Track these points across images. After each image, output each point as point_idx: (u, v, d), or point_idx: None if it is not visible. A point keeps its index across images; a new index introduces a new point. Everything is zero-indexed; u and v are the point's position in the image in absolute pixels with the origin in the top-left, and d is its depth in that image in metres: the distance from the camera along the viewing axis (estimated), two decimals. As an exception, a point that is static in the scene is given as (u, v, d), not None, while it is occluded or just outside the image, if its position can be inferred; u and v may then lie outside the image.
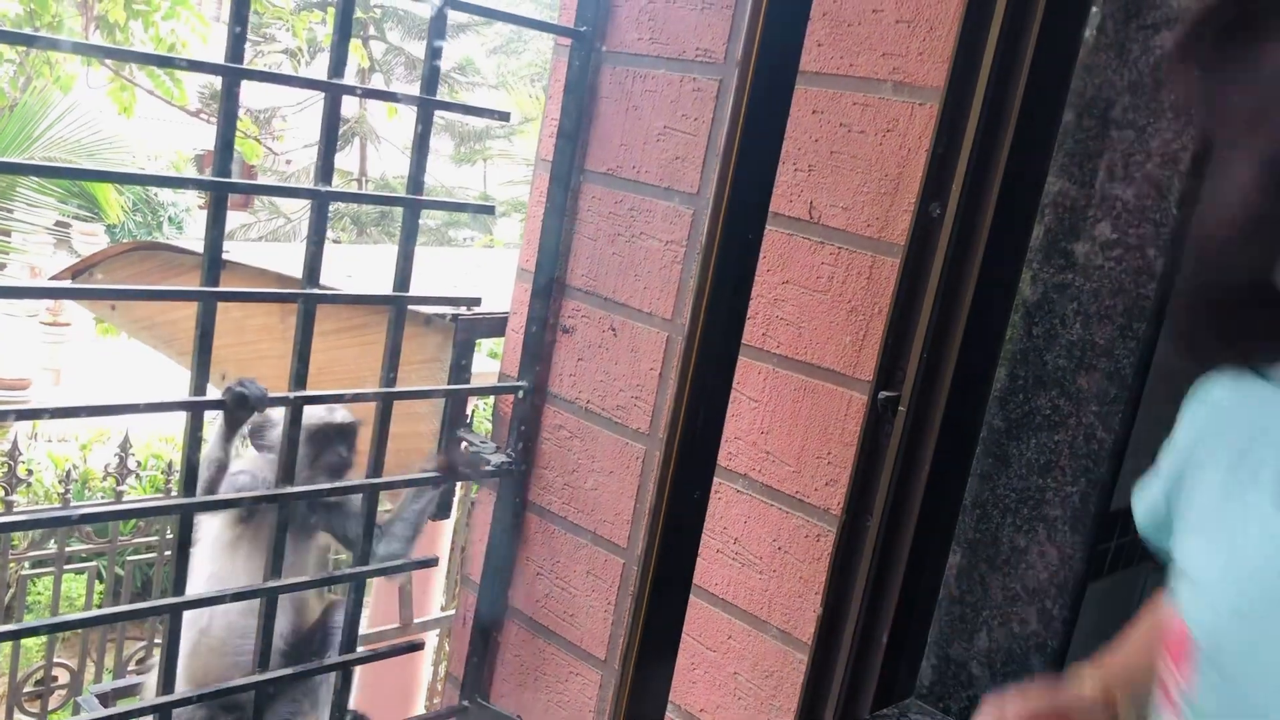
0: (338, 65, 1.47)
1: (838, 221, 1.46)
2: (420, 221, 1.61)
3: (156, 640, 5.37)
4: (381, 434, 1.62)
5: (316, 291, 1.50)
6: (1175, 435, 0.76)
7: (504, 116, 1.63)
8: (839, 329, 1.46)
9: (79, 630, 5.17)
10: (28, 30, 6.10)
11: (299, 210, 13.20)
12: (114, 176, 3.58)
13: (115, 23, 5.62)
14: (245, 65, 1.40)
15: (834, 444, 1.46)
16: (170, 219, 14.64)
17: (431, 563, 1.78)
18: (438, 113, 1.63)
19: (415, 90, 1.57)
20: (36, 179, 8.88)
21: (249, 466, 1.73)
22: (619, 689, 1.22)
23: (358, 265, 2.70)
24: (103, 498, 5.93)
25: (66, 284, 2.69)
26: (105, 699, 2.15)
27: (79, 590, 5.34)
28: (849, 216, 1.44)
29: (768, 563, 1.53)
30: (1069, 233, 1.22)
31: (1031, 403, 1.25)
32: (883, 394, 1.37)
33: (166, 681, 1.49)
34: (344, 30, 1.46)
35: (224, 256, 2.31)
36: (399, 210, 1.58)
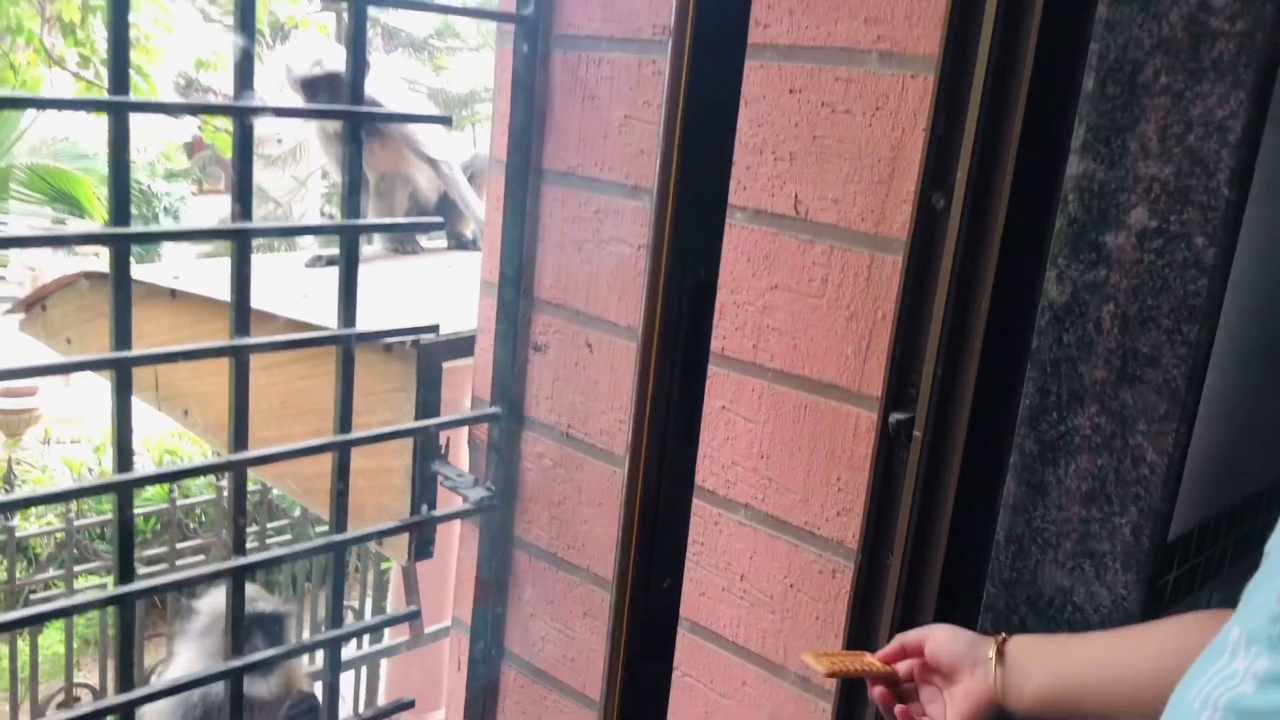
0: (244, 80, 1.28)
1: (828, 216, 1.27)
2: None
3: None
4: (342, 484, 1.46)
5: (247, 343, 1.33)
6: None
7: (445, 121, 1.44)
8: (839, 338, 1.28)
9: (95, 646, 5.11)
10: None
11: (288, 194, 12.96)
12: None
13: (72, 21, 5.40)
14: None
15: (843, 469, 1.29)
16: (166, 209, 14.42)
17: (412, 615, 1.63)
18: (418, 78, 1.44)
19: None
20: (22, 186, 8.74)
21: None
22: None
23: (322, 276, 2.52)
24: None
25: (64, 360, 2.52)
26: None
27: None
28: (840, 210, 1.26)
29: (779, 602, 1.37)
30: (1098, 222, 1.03)
31: (1068, 422, 1.07)
32: (894, 416, 1.19)
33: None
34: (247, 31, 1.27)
35: (173, 285, 2.15)
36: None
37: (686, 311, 0.88)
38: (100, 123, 7.20)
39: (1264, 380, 1.22)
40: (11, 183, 8.37)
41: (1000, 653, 1.00)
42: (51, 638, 6.41)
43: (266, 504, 5.04)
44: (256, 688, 1.81)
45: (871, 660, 1.09)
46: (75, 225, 12.27)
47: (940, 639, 1.04)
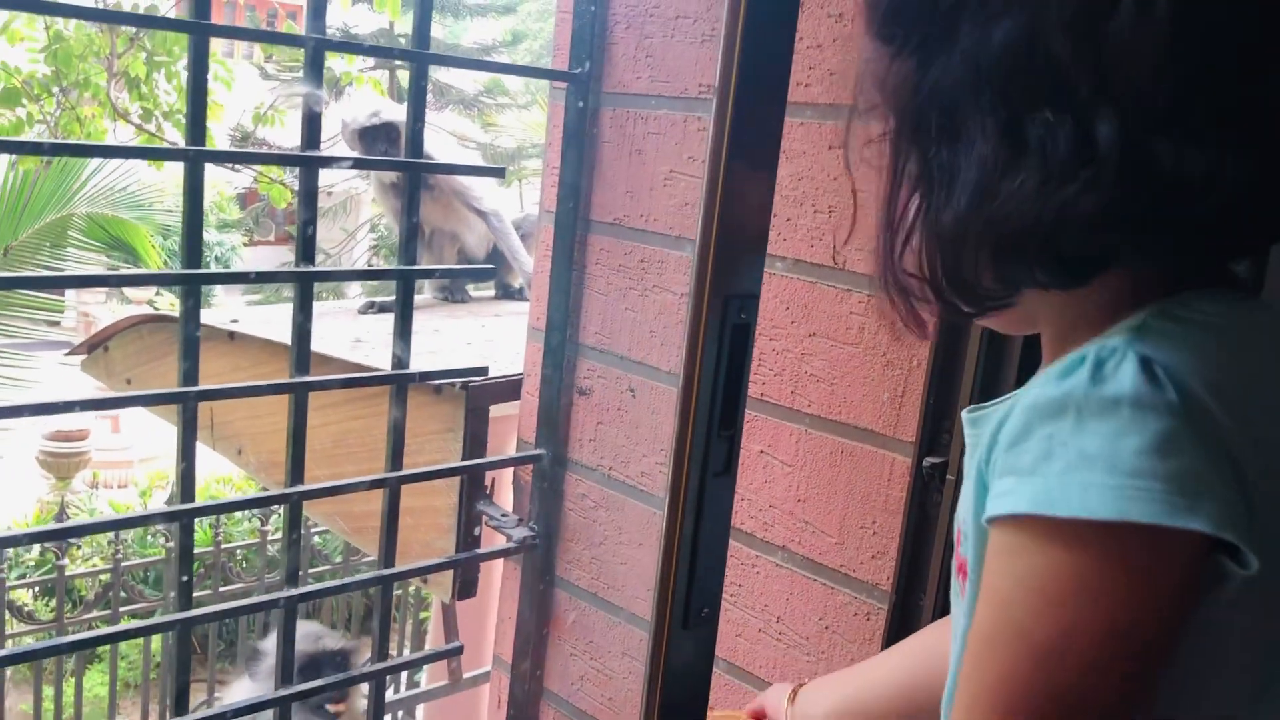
0: (311, 131, 1.36)
1: (865, 267, 1.32)
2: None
3: (217, 694, 5.35)
4: (391, 520, 1.51)
5: (307, 380, 1.39)
6: (1203, 444, 0.65)
7: (499, 173, 1.51)
8: (875, 385, 1.32)
9: (135, 690, 5.18)
10: (56, 90, 6.13)
11: (337, 246, 13.22)
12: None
13: (137, 77, 5.61)
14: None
15: (878, 512, 1.32)
16: (217, 258, 14.75)
17: (455, 651, 1.67)
18: (462, 134, 1.51)
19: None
20: (80, 233, 8.97)
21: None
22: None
23: (374, 323, 2.60)
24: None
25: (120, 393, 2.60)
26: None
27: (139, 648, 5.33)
28: (877, 261, 1.30)
29: (815, 643, 1.40)
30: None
31: (1097, 467, 1.10)
32: (929, 460, 1.22)
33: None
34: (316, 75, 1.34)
35: (231, 328, 2.23)
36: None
37: (727, 352, 0.93)
38: (157, 175, 7.38)
39: None
40: (70, 230, 8.59)
41: (792, 698, 1.18)
42: (93, 680, 6.49)
43: (309, 549, 5.11)
44: None
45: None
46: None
47: (768, 695, 1.23)
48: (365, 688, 1.63)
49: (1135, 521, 0.62)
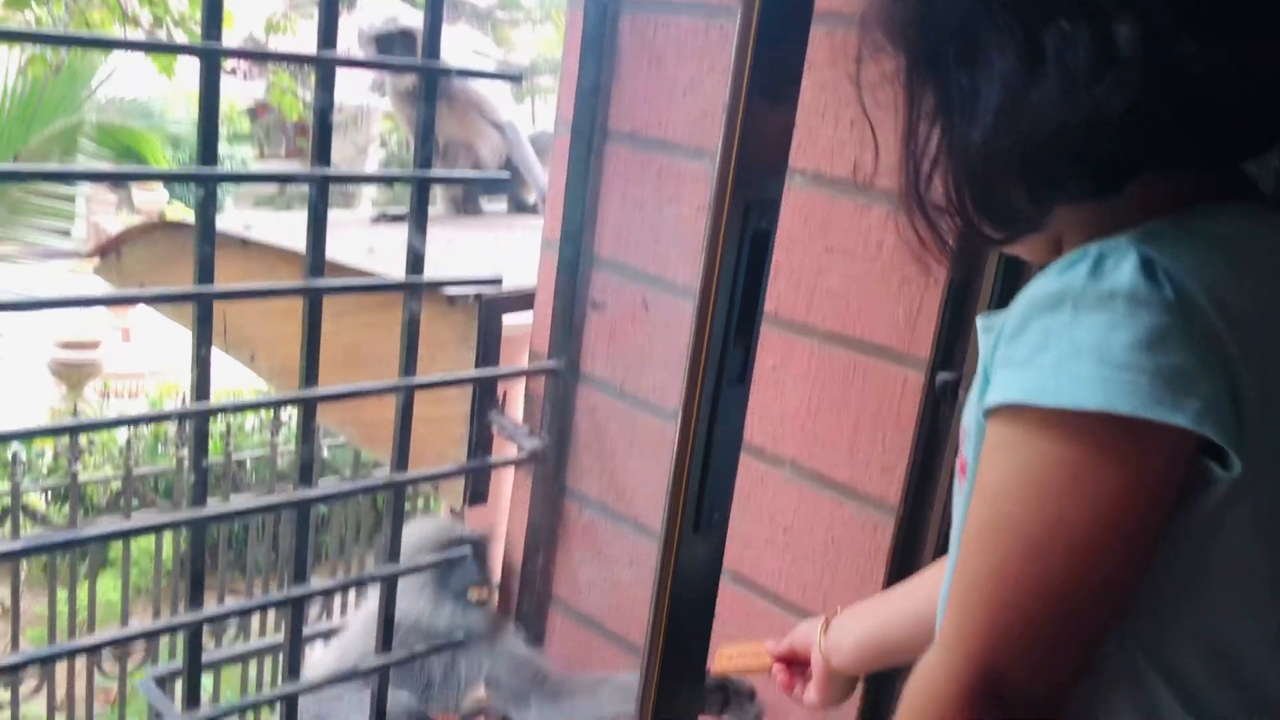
0: (327, 34, 1.34)
1: (886, 182, 1.30)
2: (439, 190, 1.49)
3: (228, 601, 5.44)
4: (404, 426, 1.52)
5: (321, 284, 1.39)
6: (1194, 338, 0.66)
7: (515, 78, 1.48)
8: (891, 302, 1.31)
9: (151, 587, 5.27)
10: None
11: (347, 160, 13.11)
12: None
13: (148, -17, 5.51)
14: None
15: (889, 428, 1.33)
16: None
17: (464, 556, 1.69)
18: (478, 48, 1.50)
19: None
20: (91, 140, 8.93)
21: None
22: (645, 685, 1.11)
23: (386, 233, 2.59)
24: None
25: (140, 292, 2.61)
26: (165, 680, 2.10)
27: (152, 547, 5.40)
28: (897, 176, 1.29)
29: (821, 555, 1.41)
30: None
31: (1110, 386, 1.10)
32: (941, 375, 1.23)
33: None
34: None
35: (245, 234, 2.23)
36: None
37: (746, 259, 0.92)
38: (167, 86, 7.29)
39: None
40: (80, 137, 8.54)
41: (825, 629, 1.16)
42: (105, 585, 6.61)
43: (320, 461, 5.16)
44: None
45: (767, 656, 1.25)
46: (140, 184, 12.53)
47: (799, 630, 1.21)
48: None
49: (1119, 413, 0.64)
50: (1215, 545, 0.70)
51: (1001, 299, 1.17)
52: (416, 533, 1.69)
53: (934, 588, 1.09)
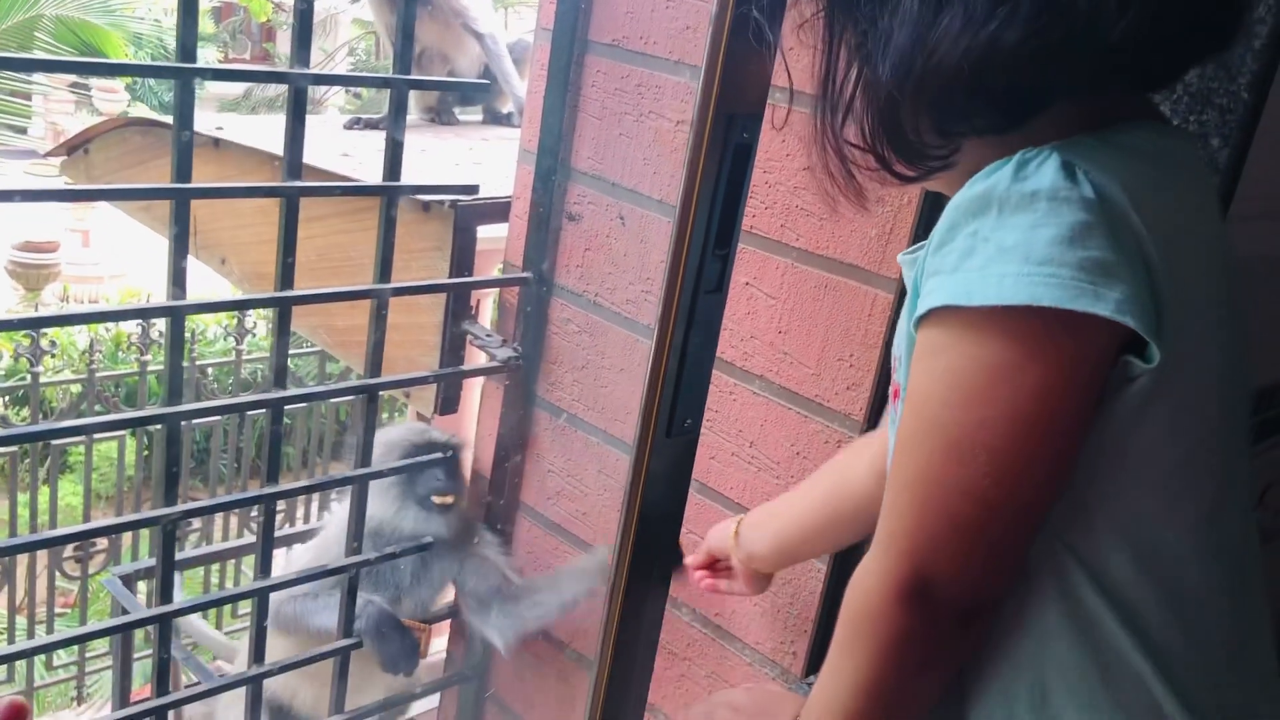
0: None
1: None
2: (414, 99, 1.48)
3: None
4: (378, 332, 1.54)
5: (298, 185, 1.39)
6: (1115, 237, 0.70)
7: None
8: (864, 221, 1.33)
9: (113, 494, 5.28)
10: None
11: (316, 66, 12.82)
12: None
13: None
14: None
15: (856, 346, 1.36)
16: (190, 74, 14.25)
17: (438, 461, 1.71)
18: None
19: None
20: (49, 36, 8.68)
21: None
22: (613, 588, 1.15)
23: (359, 139, 2.57)
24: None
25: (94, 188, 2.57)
26: (129, 580, 2.13)
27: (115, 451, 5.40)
28: (876, 96, 1.30)
29: (784, 468, 1.45)
30: (1123, 119, 1.08)
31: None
32: (910, 295, 1.25)
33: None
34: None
35: (216, 134, 2.20)
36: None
37: (727, 171, 0.94)
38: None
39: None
40: (38, 32, 8.30)
41: (736, 534, 1.30)
42: (65, 490, 6.59)
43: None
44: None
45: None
46: (100, 84, 12.20)
47: (712, 536, 1.35)
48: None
49: (1042, 305, 0.67)
50: (1135, 441, 0.73)
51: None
52: (389, 436, 1.71)
53: (829, 481, 1.20)
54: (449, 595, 1.84)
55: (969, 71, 0.72)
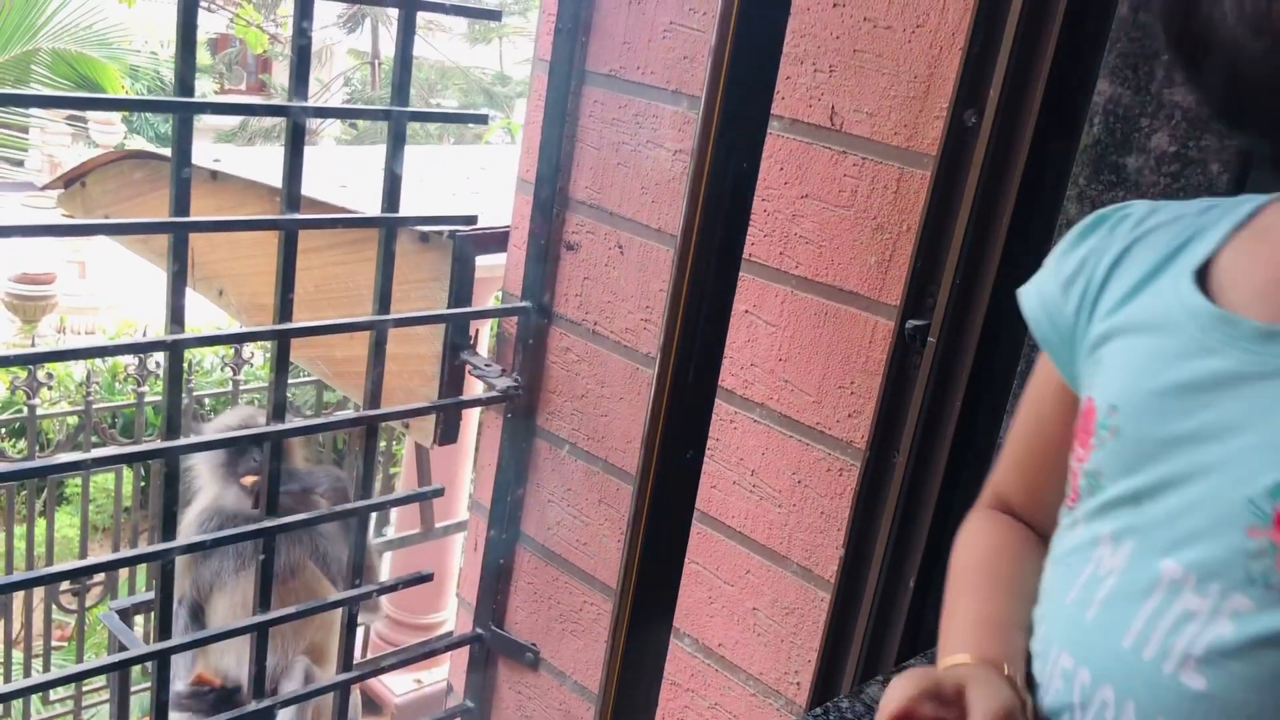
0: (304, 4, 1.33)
1: (862, 129, 1.32)
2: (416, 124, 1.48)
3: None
4: (378, 363, 1.53)
5: (297, 217, 1.39)
6: (1083, 240, 0.78)
7: (495, 16, 1.48)
8: (863, 249, 1.33)
9: (109, 526, 5.25)
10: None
11: (312, 96, 12.89)
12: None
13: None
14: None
15: (857, 373, 1.35)
16: (186, 105, 14.31)
17: (437, 493, 1.71)
18: None
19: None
20: (45, 69, 8.71)
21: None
22: (617, 620, 1.14)
23: (356, 170, 2.57)
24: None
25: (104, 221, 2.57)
26: (126, 615, 2.11)
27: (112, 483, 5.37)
28: (874, 123, 1.31)
29: (787, 496, 1.44)
30: (1120, 144, 1.09)
31: (1075, 335, 1.13)
32: (911, 322, 1.25)
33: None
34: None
35: (214, 167, 2.20)
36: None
37: (728, 199, 0.94)
38: (125, 13, 7.10)
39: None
40: (35, 65, 8.33)
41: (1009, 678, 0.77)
42: (62, 521, 6.56)
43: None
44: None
45: None
46: (97, 117, 12.23)
47: (899, 688, 0.74)
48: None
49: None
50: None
51: (971, 250, 1.19)
52: (224, 420, 1.89)
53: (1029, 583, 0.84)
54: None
55: None
